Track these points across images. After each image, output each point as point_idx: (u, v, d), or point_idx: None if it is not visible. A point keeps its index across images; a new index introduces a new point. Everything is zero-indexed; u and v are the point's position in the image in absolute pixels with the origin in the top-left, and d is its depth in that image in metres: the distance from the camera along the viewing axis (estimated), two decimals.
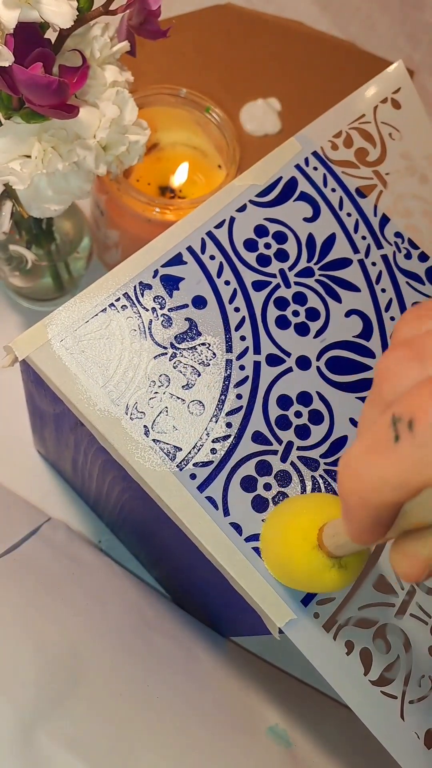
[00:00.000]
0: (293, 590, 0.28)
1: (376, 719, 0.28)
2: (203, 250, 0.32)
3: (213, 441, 0.30)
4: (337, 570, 0.25)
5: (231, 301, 0.32)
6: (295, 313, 0.33)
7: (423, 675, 0.30)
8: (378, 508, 0.18)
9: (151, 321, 0.31)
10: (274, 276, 0.33)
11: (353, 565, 0.25)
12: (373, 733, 0.28)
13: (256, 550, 0.29)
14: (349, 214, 0.35)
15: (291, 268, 0.33)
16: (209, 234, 0.33)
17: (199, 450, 0.29)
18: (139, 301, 0.31)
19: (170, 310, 0.31)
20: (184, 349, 0.31)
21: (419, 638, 0.30)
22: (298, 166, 0.35)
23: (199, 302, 0.31)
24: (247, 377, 0.31)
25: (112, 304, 0.30)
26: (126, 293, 0.31)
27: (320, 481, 0.30)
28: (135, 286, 0.31)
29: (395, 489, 0.17)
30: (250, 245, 0.33)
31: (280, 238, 0.34)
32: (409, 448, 0.17)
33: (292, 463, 0.30)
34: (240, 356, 0.31)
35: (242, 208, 0.34)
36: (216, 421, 0.30)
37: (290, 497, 0.29)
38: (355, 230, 0.35)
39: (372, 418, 0.19)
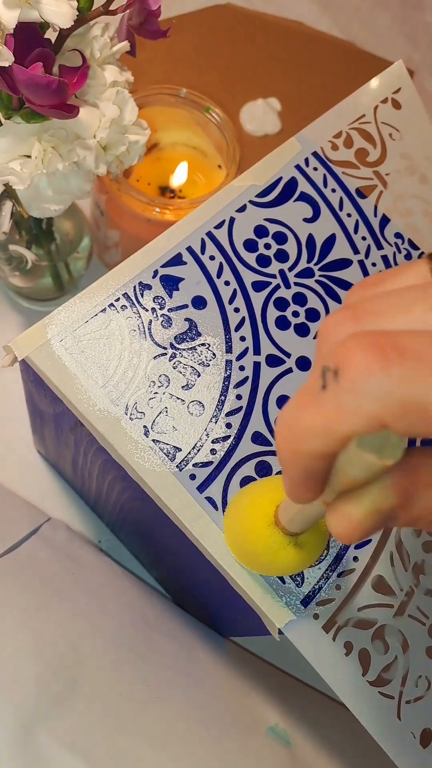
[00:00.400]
0: (293, 591, 0.28)
1: (373, 719, 0.28)
2: (203, 251, 0.32)
3: (213, 441, 0.30)
4: (293, 548, 0.25)
5: (231, 301, 0.32)
6: (295, 314, 0.33)
7: (420, 675, 0.30)
8: (309, 457, 0.18)
9: (150, 321, 0.31)
10: (274, 276, 0.33)
11: (310, 544, 0.25)
12: (370, 732, 0.28)
13: None
14: (349, 215, 0.35)
15: (291, 269, 0.33)
16: (209, 234, 0.33)
17: (198, 450, 0.29)
18: (138, 302, 0.31)
19: (170, 310, 0.31)
20: (183, 349, 0.31)
21: (417, 639, 0.30)
22: (298, 167, 0.35)
23: (199, 303, 0.31)
24: (246, 378, 0.31)
25: (111, 305, 0.30)
26: (126, 293, 0.31)
27: None
28: (135, 287, 0.31)
29: (321, 437, 0.17)
30: (250, 246, 0.33)
31: (280, 238, 0.34)
32: (333, 396, 0.17)
33: None
34: (240, 357, 0.31)
35: (242, 209, 0.34)
36: (216, 422, 0.30)
37: (255, 481, 0.29)
38: (355, 231, 0.35)
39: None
